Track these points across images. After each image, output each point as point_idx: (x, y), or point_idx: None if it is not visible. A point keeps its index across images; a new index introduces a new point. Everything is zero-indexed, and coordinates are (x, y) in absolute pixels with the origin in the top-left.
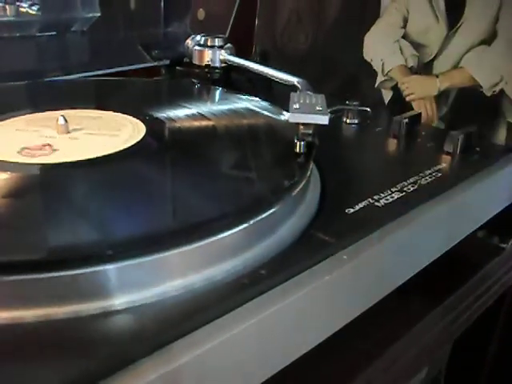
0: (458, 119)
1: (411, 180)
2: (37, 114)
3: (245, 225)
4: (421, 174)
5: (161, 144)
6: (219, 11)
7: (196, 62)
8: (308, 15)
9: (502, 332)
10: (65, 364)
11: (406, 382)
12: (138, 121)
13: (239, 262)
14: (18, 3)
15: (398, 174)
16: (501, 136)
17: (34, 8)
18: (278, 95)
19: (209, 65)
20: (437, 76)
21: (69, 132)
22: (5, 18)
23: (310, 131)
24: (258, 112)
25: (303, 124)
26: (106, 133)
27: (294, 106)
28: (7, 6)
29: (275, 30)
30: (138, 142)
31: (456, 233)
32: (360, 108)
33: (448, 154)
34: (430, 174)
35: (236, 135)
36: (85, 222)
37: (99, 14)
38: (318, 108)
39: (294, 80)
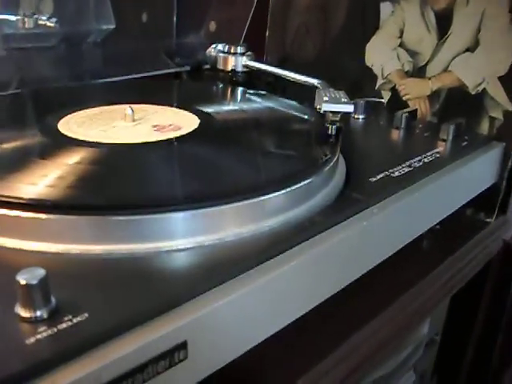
0: (448, 114)
1: (416, 158)
2: (105, 107)
3: (300, 183)
4: (423, 155)
5: (222, 130)
6: (231, 24)
7: (221, 67)
8: (315, 27)
9: (490, 292)
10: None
11: (410, 332)
12: (189, 113)
13: (299, 211)
14: (35, 16)
15: (405, 154)
16: (484, 127)
17: (52, 20)
18: (292, 95)
19: (233, 69)
20: (429, 78)
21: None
22: (23, 31)
23: (338, 118)
24: (291, 107)
25: (332, 112)
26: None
27: (325, 99)
28: (26, 19)
29: (285, 41)
30: (196, 130)
31: (452, 202)
32: (376, 100)
33: (443, 140)
34: (430, 154)
35: (278, 126)
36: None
37: (114, 26)
38: (343, 99)
39: (315, 81)
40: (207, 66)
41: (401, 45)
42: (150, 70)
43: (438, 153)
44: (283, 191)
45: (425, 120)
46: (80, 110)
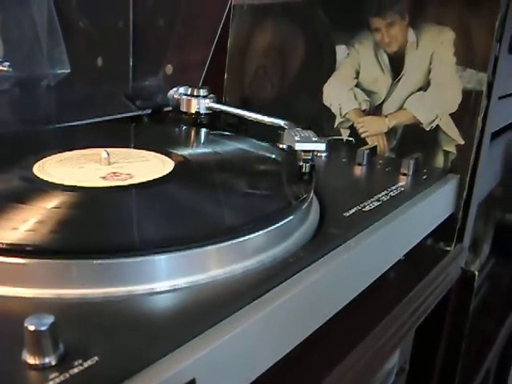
0: (405, 149)
1: (383, 193)
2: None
3: (282, 221)
4: (389, 189)
5: (197, 171)
6: (188, 67)
7: (184, 109)
8: (273, 69)
9: (451, 319)
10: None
11: (381, 365)
12: (161, 155)
13: (282, 248)
14: None
15: (372, 189)
16: (439, 161)
17: (5, 64)
18: (254, 136)
19: (197, 112)
20: (386, 116)
21: (110, 164)
22: None
23: (310, 156)
24: (260, 147)
25: (304, 151)
26: (140, 165)
27: (296, 138)
28: None
29: (243, 82)
30: (171, 172)
31: (418, 232)
32: (346, 138)
33: (404, 174)
34: (395, 188)
35: (253, 167)
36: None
37: (69, 71)
38: (314, 138)
39: (281, 122)
40: (168, 109)
41: (357, 85)
42: (111, 114)
43: (401, 187)
44: (266, 230)
45: (384, 155)
46: (54, 153)
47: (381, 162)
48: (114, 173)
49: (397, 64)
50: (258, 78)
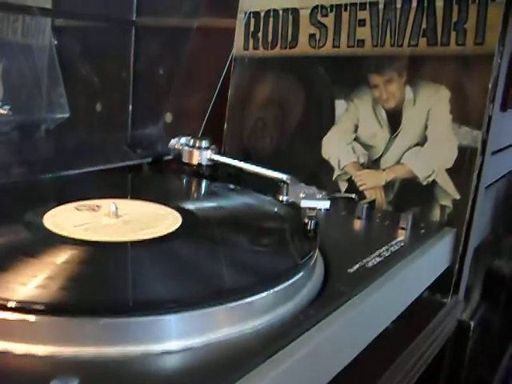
0: (403, 203)
1: (384, 248)
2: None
3: (291, 280)
4: (389, 244)
5: (205, 227)
6: (188, 116)
7: (186, 160)
8: (272, 122)
9: (448, 371)
10: None
11: None
12: (169, 208)
13: (291, 305)
14: None
15: (373, 244)
16: (436, 215)
17: (5, 108)
18: (253, 187)
19: (199, 163)
20: (383, 170)
21: (117, 217)
22: None
23: (314, 213)
24: (263, 201)
25: (309, 208)
26: (148, 218)
27: (301, 195)
28: None
29: (242, 134)
30: (180, 227)
31: (418, 286)
32: (346, 195)
33: (402, 228)
34: (395, 243)
35: (260, 222)
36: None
37: (68, 115)
38: (318, 196)
39: (284, 176)
40: (168, 157)
41: (356, 139)
42: (112, 162)
43: (401, 241)
44: (275, 290)
45: (381, 208)
46: (61, 204)
47: (379, 215)
48: (123, 226)
49: (394, 120)
50: (258, 129)
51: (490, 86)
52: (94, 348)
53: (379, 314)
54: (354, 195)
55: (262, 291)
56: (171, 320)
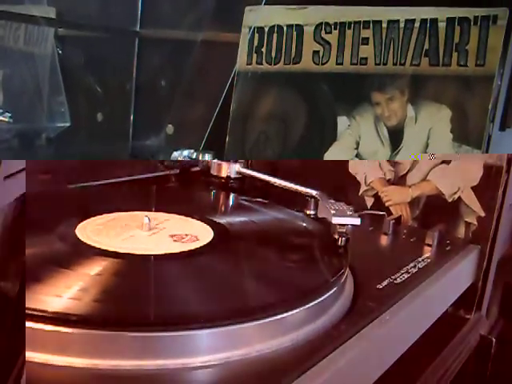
0: (428, 219)
1: (411, 264)
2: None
3: (324, 296)
4: (416, 260)
5: (237, 241)
6: (189, 127)
7: (215, 172)
8: (275, 136)
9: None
10: None
11: None
12: (200, 222)
13: (325, 320)
14: None
15: (400, 260)
16: (460, 232)
17: (5, 115)
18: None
19: (228, 176)
20: (409, 186)
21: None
22: None
23: (344, 230)
24: (293, 216)
25: (340, 224)
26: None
27: (332, 212)
28: None
29: (244, 147)
30: (213, 240)
31: (444, 302)
32: (376, 212)
33: (428, 245)
34: (422, 259)
35: (288, 237)
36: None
37: (69, 124)
38: (348, 212)
39: (313, 192)
40: (196, 169)
41: (357, 155)
42: (142, 173)
43: (427, 258)
44: (308, 306)
45: (407, 224)
46: (92, 215)
47: (405, 231)
48: (156, 239)
49: (396, 137)
50: (260, 143)
51: (490, 106)
52: (130, 361)
53: (407, 330)
54: (383, 213)
55: (296, 307)
56: (207, 335)
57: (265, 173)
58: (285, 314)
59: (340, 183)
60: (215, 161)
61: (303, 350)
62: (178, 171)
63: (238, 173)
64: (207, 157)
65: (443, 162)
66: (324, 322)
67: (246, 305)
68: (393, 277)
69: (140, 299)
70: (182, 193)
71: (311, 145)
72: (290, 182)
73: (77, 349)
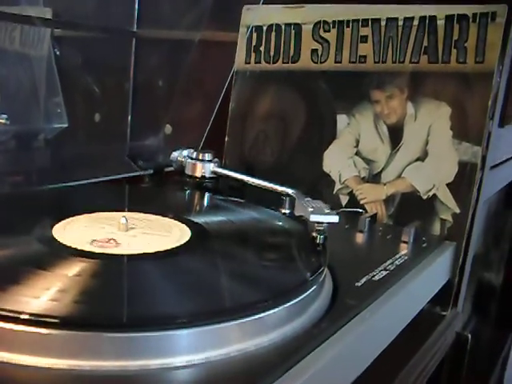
0: (403, 217)
1: (389, 262)
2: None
3: (304, 295)
4: (393, 258)
5: (215, 240)
6: (188, 128)
7: (189, 172)
8: (274, 135)
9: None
10: None
11: None
12: (177, 222)
13: (305, 318)
14: None
15: (377, 257)
16: (436, 229)
17: (2, 117)
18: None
19: (203, 176)
20: (384, 184)
21: (127, 230)
22: None
23: (323, 228)
24: (269, 215)
25: (318, 222)
26: (157, 232)
27: (310, 209)
28: None
29: (243, 146)
30: (190, 240)
31: (422, 299)
32: (353, 210)
33: (405, 242)
34: (399, 257)
35: (265, 236)
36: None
37: (66, 125)
38: (326, 210)
39: (289, 190)
40: (169, 169)
41: (357, 153)
42: (113, 174)
43: (405, 255)
44: (288, 304)
45: (382, 222)
46: (69, 216)
47: (381, 229)
48: (133, 239)
49: (395, 135)
50: (259, 142)
51: (489, 103)
52: (110, 362)
53: (387, 327)
54: (361, 210)
55: (276, 306)
56: (188, 334)
57: (240, 172)
58: (265, 313)
59: (314, 182)
60: (189, 160)
61: (284, 349)
62: (151, 172)
63: (213, 172)
64: (207, 156)
65: (418, 159)
66: (304, 321)
67: (227, 304)
68: (371, 274)
69: (119, 300)
70: (157, 193)
71: (310, 143)
72: (264, 181)
73: (56, 350)
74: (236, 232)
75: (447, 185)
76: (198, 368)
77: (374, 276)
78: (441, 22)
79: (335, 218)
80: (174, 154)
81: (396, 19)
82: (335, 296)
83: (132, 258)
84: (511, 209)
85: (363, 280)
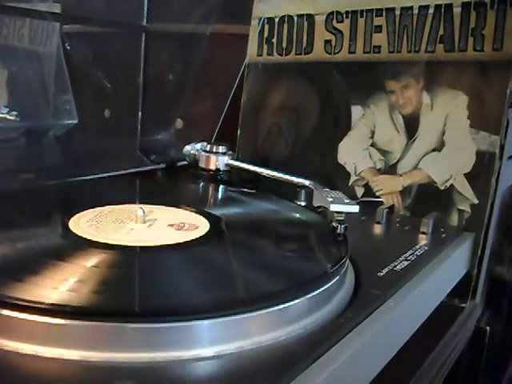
0: (420, 208)
1: (409, 252)
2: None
3: (328, 284)
4: (413, 248)
5: (235, 232)
6: (199, 122)
7: (203, 165)
8: (287, 127)
9: (465, 377)
10: None
11: None
12: (195, 214)
13: (330, 309)
14: None
15: (397, 248)
16: (453, 220)
17: (12, 113)
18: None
19: (217, 168)
20: (400, 175)
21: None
22: None
23: (343, 217)
24: (286, 206)
25: (337, 212)
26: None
27: (329, 199)
28: None
29: (256, 139)
30: (209, 232)
31: (442, 290)
32: (373, 199)
33: (423, 233)
34: (419, 247)
35: (288, 229)
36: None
37: (76, 121)
38: (346, 200)
39: (306, 182)
40: (182, 163)
41: (372, 144)
42: (126, 168)
43: (424, 246)
44: (313, 294)
45: (399, 213)
46: (85, 209)
47: (398, 220)
48: (151, 231)
49: (411, 125)
50: (272, 135)
51: (508, 91)
52: (126, 354)
53: (411, 317)
54: (380, 199)
55: (300, 296)
56: (214, 324)
57: (255, 165)
58: (292, 302)
59: (329, 174)
60: (203, 153)
61: (312, 339)
62: (163, 166)
63: (227, 165)
64: (222, 149)
65: (434, 149)
66: (331, 310)
67: (251, 295)
68: (392, 264)
69: (138, 290)
70: (172, 186)
71: (325, 135)
72: (281, 173)
73: (70, 340)
74: (256, 223)
75: (465, 175)
76: (225, 359)
77: (395, 266)
78: (457, 10)
79: (356, 208)
80: (187, 148)
81: (411, 8)
82: (357, 286)
83: (152, 249)
84: None
85: (385, 270)
